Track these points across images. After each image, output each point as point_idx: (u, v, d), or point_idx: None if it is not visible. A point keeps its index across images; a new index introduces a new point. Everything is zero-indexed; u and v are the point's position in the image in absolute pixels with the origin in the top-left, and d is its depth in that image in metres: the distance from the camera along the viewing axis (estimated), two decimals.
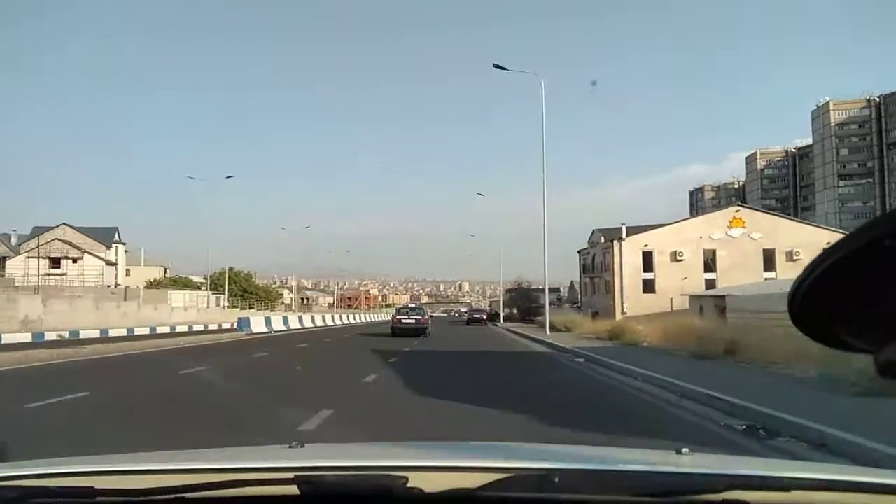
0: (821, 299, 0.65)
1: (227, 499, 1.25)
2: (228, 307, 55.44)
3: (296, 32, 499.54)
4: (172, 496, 1.24)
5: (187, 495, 1.23)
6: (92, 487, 1.27)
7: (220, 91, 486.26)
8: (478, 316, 58.11)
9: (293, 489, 1.24)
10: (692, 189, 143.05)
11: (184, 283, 64.32)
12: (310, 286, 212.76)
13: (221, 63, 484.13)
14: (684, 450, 1.66)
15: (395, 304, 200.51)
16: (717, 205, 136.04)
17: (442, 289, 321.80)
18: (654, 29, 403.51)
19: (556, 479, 1.26)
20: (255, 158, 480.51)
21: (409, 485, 1.24)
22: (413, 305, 36.42)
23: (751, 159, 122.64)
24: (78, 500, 1.28)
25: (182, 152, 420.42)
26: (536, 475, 1.31)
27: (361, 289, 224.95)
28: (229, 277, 66.75)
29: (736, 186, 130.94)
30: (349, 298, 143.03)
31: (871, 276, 0.60)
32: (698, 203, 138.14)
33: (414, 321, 28.43)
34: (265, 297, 72.61)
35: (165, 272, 72.01)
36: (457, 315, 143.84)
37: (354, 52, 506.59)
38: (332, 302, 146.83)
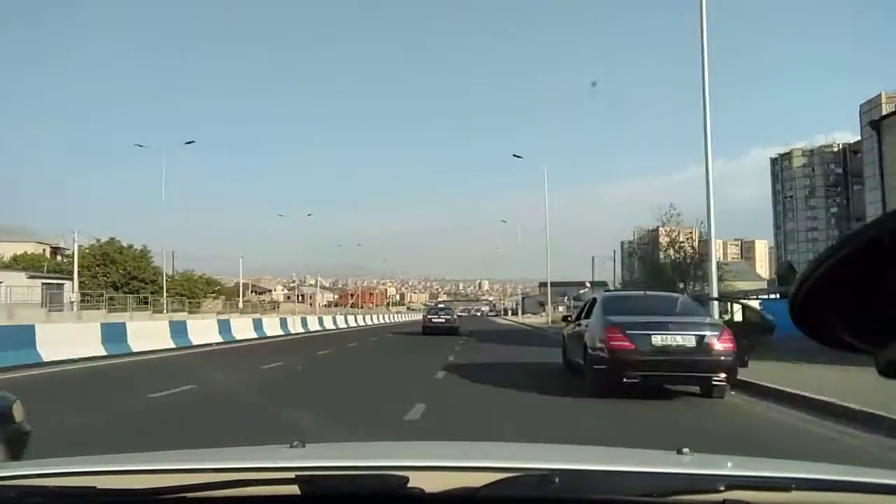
0: (821, 299, 0.64)
1: (228, 499, 1.24)
2: (82, 304, 31.79)
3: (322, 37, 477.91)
4: (174, 496, 1.22)
5: (188, 495, 1.22)
6: (93, 487, 1.26)
7: (230, 95, 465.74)
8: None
9: (294, 489, 1.23)
10: (774, 156, 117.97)
11: (29, 263, 41.00)
12: (327, 285, 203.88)
13: (224, 67, 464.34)
14: (684, 450, 1.62)
15: (407, 303, 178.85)
16: (811, 175, 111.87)
17: (461, 287, 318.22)
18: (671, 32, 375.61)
19: (557, 479, 1.25)
20: (277, 158, 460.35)
21: (409, 484, 1.22)
22: (443, 306, 38.36)
23: (869, 106, 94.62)
24: (79, 499, 1.27)
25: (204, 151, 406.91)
26: (537, 475, 1.29)
27: (380, 286, 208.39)
28: (106, 256, 41.14)
29: (836, 150, 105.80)
30: (351, 295, 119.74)
31: (871, 276, 0.60)
32: (784, 174, 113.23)
33: (444, 320, 28.81)
34: (184, 292, 46.79)
35: (54, 253, 48.71)
36: (478, 314, 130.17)
37: (378, 55, 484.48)
38: (332, 300, 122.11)
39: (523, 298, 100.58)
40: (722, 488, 1.22)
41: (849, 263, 0.60)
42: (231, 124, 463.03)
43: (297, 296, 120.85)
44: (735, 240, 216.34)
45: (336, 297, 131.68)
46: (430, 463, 1.44)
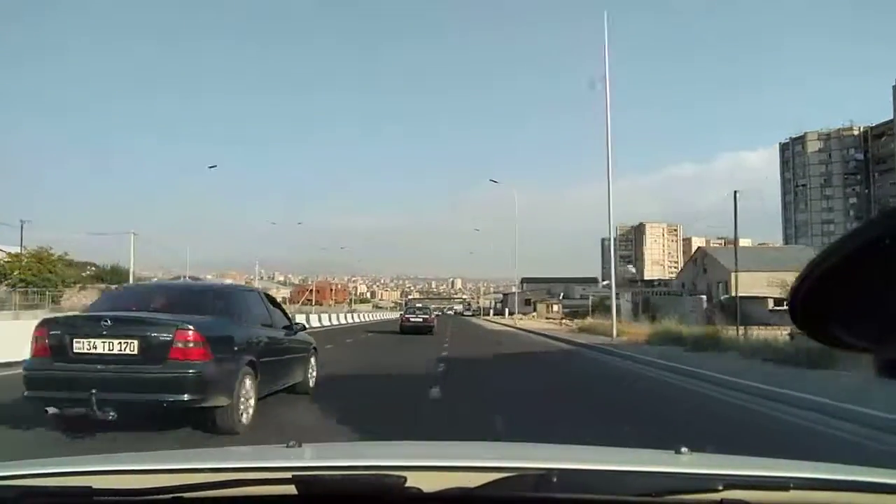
0: (821, 299, 0.64)
1: (224, 499, 1.24)
2: None
3: (294, 36, 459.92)
4: (170, 496, 1.22)
5: (185, 495, 1.22)
6: (90, 487, 1.26)
7: (220, 92, 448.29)
8: None
9: (291, 489, 1.23)
10: (785, 140, 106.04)
11: None
12: (296, 282, 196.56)
13: (220, 64, 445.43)
14: (683, 449, 1.64)
15: (374, 301, 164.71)
16: (827, 161, 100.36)
17: (434, 286, 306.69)
18: (651, 32, 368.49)
19: (555, 479, 1.25)
20: (251, 152, 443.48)
21: (407, 484, 1.22)
22: (420, 305, 36.76)
23: None
24: (76, 499, 1.26)
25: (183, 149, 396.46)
26: (535, 475, 1.30)
27: (350, 283, 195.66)
28: None
29: (856, 133, 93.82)
30: (309, 290, 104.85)
31: (870, 276, 0.60)
32: (795, 159, 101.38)
33: (422, 320, 29.09)
34: (31, 279, 33.07)
35: None
36: (451, 312, 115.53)
37: (352, 55, 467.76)
38: (287, 296, 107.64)
39: (506, 296, 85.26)
40: (720, 487, 1.21)
41: (849, 262, 0.59)
42: (209, 119, 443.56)
43: None
44: (718, 238, 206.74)
45: (296, 290, 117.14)
46: (427, 463, 1.43)
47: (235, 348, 5.89)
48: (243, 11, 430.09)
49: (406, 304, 53.06)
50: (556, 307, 71.45)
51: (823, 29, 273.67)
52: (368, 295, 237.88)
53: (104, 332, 5.26)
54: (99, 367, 5.19)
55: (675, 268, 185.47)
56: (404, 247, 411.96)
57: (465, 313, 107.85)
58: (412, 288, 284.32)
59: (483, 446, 2.64)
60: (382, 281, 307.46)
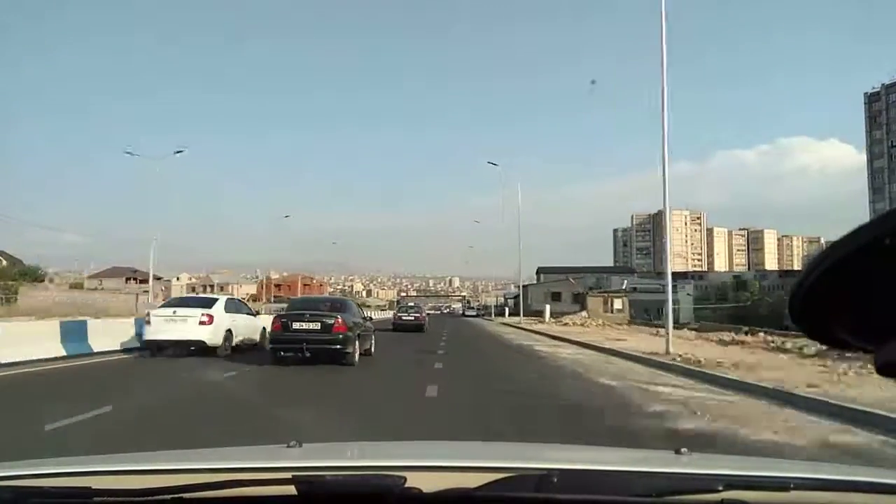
0: (821, 299, 0.65)
1: (224, 499, 1.24)
2: None
3: (293, 31, 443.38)
4: (170, 496, 1.22)
5: (185, 495, 1.22)
6: (89, 488, 1.26)
7: (212, 88, 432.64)
8: None
9: (291, 489, 1.23)
10: (875, 88, 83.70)
11: None
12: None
13: (218, 60, 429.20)
14: (683, 450, 1.64)
15: (362, 301, 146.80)
16: None
17: (431, 284, 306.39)
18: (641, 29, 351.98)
19: (555, 479, 1.25)
20: (245, 152, 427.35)
21: (407, 484, 1.23)
22: (412, 304, 38.14)
23: None
24: (75, 500, 1.27)
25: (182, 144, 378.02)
26: (535, 475, 1.30)
27: (348, 281, 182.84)
28: None
29: None
30: (277, 286, 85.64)
31: (871, 276, 0.60)
32: (890, 111, 79.74)
33: (413, 318, 30.63)
34: None
35: None
36: (447, 310, 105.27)
37: (348, 50, 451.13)
38: (253, 293, 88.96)
39: (526, 287, 59.00)
40: (720, 488, 1.22)
41: (849, 263, 0.60)
42: (206, 113, 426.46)
43: (204, 286, 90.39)
44: (740, 229, 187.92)
45: (260, 285, 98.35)
46: (427, 463, 1.44)
47: (353, 327, 12.81)
48: (236, 11, 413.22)
49: (398, 303, 51.18)
50: (617, 303, 50.24)
51: None
52: (365, 294, 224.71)
53: (306, 319, 12.50)
54: (304, 334, 12.22)
55: (700, 260, 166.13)
56: (402, 246, 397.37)
57: (466, 313, 79.77)
58: (409, 286, 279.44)
59: (483, 446, 2.64)
60: (379, 279, 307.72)
